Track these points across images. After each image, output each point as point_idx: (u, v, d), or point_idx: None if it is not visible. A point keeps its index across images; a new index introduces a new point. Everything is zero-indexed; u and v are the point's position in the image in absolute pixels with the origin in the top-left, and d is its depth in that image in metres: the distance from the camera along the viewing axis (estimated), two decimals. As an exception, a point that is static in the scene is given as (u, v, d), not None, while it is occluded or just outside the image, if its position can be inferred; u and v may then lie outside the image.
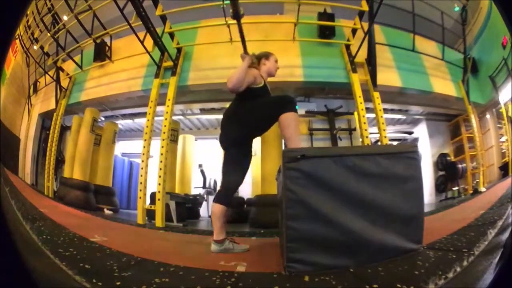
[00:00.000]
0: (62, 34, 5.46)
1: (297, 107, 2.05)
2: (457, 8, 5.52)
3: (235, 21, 4.39)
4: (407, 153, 1.59)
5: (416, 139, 6.64)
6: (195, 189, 6.86)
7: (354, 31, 4.77)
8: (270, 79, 2.31)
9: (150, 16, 4.25)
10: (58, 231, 2.23)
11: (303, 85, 4.92)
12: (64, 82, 5.84)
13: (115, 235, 2.71)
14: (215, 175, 6.86)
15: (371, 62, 4.65)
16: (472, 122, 5.29)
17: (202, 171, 6.87)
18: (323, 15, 4.88)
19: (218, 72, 4.84)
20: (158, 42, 4.56)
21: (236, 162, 2.13)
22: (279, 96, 2.11)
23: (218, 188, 6.68)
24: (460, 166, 5.70)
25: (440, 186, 5.94)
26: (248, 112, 2.05)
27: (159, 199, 4.10)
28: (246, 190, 5.98)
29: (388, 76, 4.93)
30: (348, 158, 1.51)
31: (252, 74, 2.06)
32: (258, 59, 2.26)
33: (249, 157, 2.20)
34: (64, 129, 6.12)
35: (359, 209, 1.47)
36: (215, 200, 2.06)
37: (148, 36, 4.42)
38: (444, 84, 5.33)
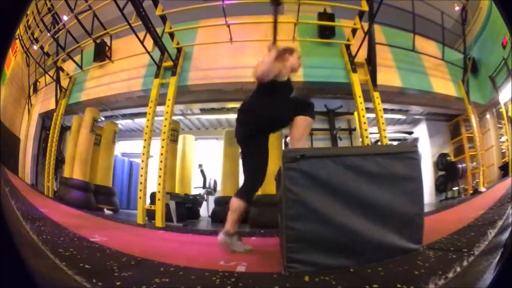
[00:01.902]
0: (62, 34, 5.46)
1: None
2: (457, 8, 5.52)
3: (235, 21, 4.41)
4: (407, 153, 1.59)
5: (416, 139, 6.64)
6: (195, 189, 6.86)
7: (354, 31, 4.76)
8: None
9: (150, 16, 4.25)
10: (58, 231, 2.23)
11: (303, 85, 4.91)
12: (64, 82, 5.83)
13: (115, 235, 2.71)
14: (215, 175, 6.86)
15: (371, 62, 4.64)
16: (472, 122, 5.29)
17: (202, 171, 6.86)
18: (323, 15, 4.87)
19: (218, 72, 4.85)
20: (158, 42, 4.56)
21: (253, 158, 2.09)
22: (303, 98, 2.11)
23: (218, 188, 6.73)
24: (460, 166, 5.70)
25: (440, 186, 5.94)
26: (269, 106, 1.99)
27: (159, 199, 4.10)
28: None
29: (388, 76, 4.92)
30: (348, 158, 1.51)
31: (277, 66, 2.01)
32: (281, 54, 2.17)
33: (267, 152, 2.14)
34: (64, 129, 6.12)
35: (359, 209, 1.47)
36: (235, 195, 2.03)
37: (148, 36, 4.42)
38: (444, 84, 5.32)
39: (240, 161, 2.17)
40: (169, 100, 4.57)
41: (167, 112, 4.52)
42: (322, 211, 1.43)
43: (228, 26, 4.46)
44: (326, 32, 4.94)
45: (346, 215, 1.45)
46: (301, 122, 1.94)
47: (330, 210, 1.44)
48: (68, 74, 5.85)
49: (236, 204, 1.98)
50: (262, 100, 2.03)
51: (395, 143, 6.54)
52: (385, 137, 4.34)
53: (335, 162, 1.49)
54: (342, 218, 1.44)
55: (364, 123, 4.37)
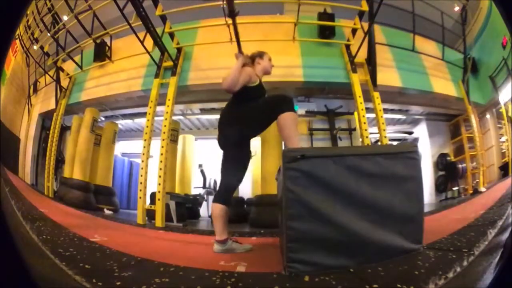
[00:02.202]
0: (62, 34, 5.46)
1: (296, 107, 2.06)
2: (457, 8, 5.53)
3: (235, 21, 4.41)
4: (407, 153, 1.59)
5: (416, 139, 6.64)
6: (195, 189, 6.85)
7: (354, 31, 4.76)
8: (271, 78, 2.32)
9: (150, 16, 4.25)
10: (58, 231, 2.23)
11: (303, 85, 4.92)
12: (64, 82, 5.83)
13: (115, 235, 2.71)
14: (215, 175, 6.85)
15: (371, 62, 4.64)
16: (472, 122, 5.29)
17: (202, 171, 6.86)
18: (323, 15, 4.87)
19: (218, 72, 4.83)
20: (158, 42, 4.56)
21: (234, 161, 2.14)
22: (277, 96, 2.10)
23: (218, 188, 6.72)
24: (460, 166, 5.70)
25: (440, 186, 5.94)
26: (245, 113, 2.05)
27: (159, 199, 4.10)
28: (246, 190, 5.98)
29: (388, 76, 4.92)
30: (348, 158, 1.51)
31: (246, 73, 2.04)
32: (252, 59, 2.26)
33: (247, 156, 2.20)
34: (64, 129, 6.12)
35: (359, 209, 1.47)
36: (214, 200, 2.06)
37: (148, 36, 4.42)
38: (444, 84, 5.32)
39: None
40: (169, 100, 4.57)
41: (167, 112, 4.52)
42: (322, 211, 1.43)
43: (228, 26, 4.46)
44: (326, 32, 4.94)
45: (346, 215, 1.45)
46: (285, 120, 1.91)
47: (330, 210, 1.44)
48: (68, 74, 5.85)
49: (218, 209, 2.00)
50: (236, 109, 2.10)
51: (395, 143, 6.54)
52: (385, 137, 4.34)
53: (335, 162, 1.49)
54: (342, 218, 1.44)
55: (364, 123, 4.37)
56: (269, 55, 2.32)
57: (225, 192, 2.09)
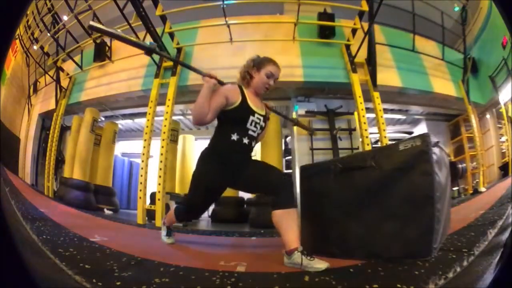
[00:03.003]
0: (62, 34, 5.46)
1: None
2: (457, 8, 5.53)
3: (235, 21, 4.42)
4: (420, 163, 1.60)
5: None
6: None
7: (354, 31, 4.76)
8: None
9: (150, 16, 4.25)
10: (58, 231, 2.23)
11: (303, 85, 4.92)
12: (64, 82, 5.83)
13: (115, 235, 2.71)
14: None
15: (371, 62, 4.64)
16: (472, 122, 5.29)
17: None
18: (323, 15, 4.87)
19: (218, 72, 4.77)
20: (158, 42, 4.55)
21: None
22: (274, 173, 1.83)
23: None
24: (460, 166, 5.69)
25: (440, 186, 5.92)
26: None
27: (159, 199, 4.10)
28: (246, 190, 5.96)
29: (388, 76, 4.92)
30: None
31: (220, 94, 1.67)
32: (244, 74, 1.85)
33: None
34: (64, 129, 6.12)
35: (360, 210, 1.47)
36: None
37: (148, 36, 4.42)
38: (444, 84, 5.32)
39: None
40: (169, 100, 4.57)
41: (167, 112, 4.52)
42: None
43: (228, 26, 4.46)
44: (326, 32, 4.93)
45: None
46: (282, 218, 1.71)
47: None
48: (68, 74, 5.85)
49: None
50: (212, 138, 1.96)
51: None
52: (385, 137, 4.34)
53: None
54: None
55: (364, 123, 4.37)
56: (272, 67, 1.80)
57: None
